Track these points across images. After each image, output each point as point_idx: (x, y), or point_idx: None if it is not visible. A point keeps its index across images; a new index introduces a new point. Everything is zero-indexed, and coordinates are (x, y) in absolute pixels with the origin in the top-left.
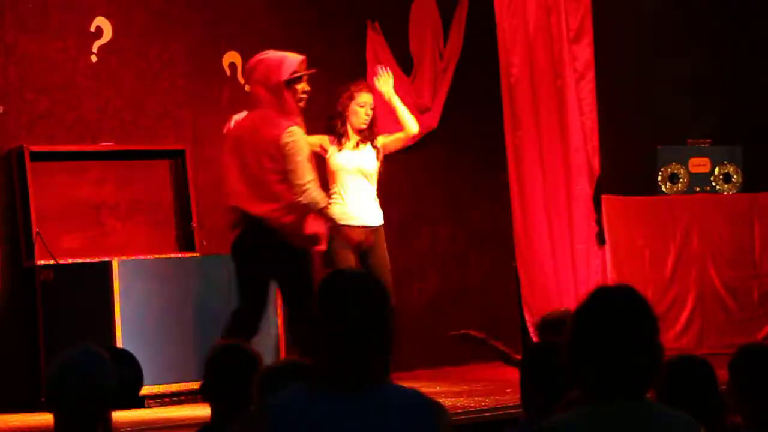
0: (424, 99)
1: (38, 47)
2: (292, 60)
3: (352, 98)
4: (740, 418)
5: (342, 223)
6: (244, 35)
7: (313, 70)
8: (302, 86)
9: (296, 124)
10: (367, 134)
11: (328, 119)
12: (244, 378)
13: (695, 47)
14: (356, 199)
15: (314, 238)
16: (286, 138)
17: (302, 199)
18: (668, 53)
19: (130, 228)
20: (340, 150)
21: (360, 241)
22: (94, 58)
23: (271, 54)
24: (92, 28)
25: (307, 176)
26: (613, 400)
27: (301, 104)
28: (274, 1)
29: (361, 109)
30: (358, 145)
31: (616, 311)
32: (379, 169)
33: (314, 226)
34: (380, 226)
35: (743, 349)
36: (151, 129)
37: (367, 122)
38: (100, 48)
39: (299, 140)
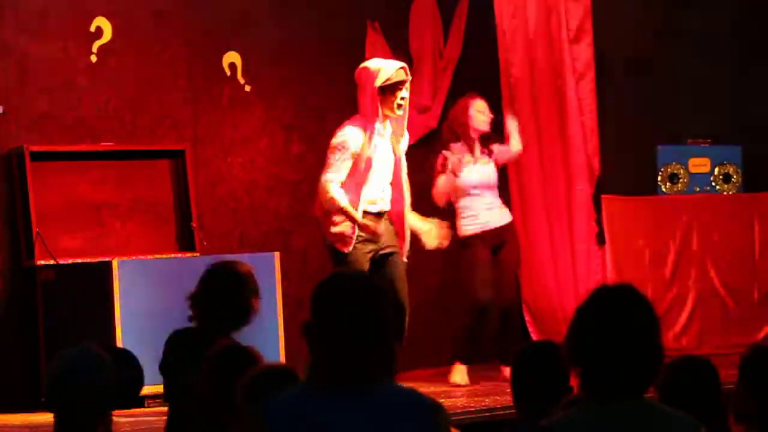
0: (424, 99)
1: (38, 47)
2: (389, 66)
3: (468, 106)
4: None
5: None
6: (244, 35)
7: (405, 79)
8: (399, 93)
9: (357, 125)
10: (489, 140)
11: (446, 138)
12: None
13: (695, 47)
14: (485, 208)
15: (338, 237)
16: (338, 132)
17: (320, 190)
18: (668, 53)
19: (130, 228)
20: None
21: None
22: (94, 58)
23: (373, 61)
24: (92, 29)
25: (331, 173)
26: (613, 400)
27: (398, 111)
28: (274, 1)
29: (480, 113)
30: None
31: (617, 310)
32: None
33: (339, 226)
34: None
35: (754, 349)
36: (151, 129)
37: (488, 124)
38: (100, 48)
39: (343, 140)
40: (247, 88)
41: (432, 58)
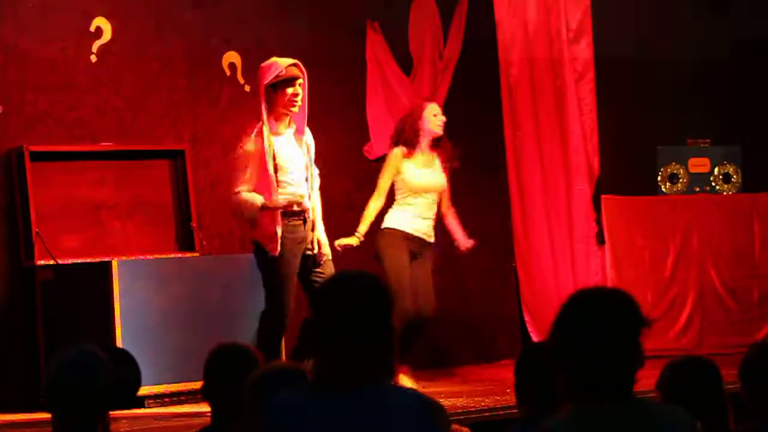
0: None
1: (38, 47)
2: (279, 63)
3: (423, 108)
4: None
5: (401, 228)
6: (244, 35)
7: (296, 75)
8: (291, 90)
9: (253, 132)
10: (443, 147)
11: (396, 137)
12: (244, 379)
13: (695, 47)
14: (425, 214)
15: (267, 238)
16: (238, 146)
17: (233, 206)
18: (668, 53)
19: (130, 228)
20: (416, 167)
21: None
22: (94, 58)
23: (269, 60)
24: (92, 28)
25: (239, 185)
26: (604, 400)
27: (292, 108)
28: (274, 1)
29: (434, 117)
30: (431, 161)
31: (590, 313)
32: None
33: (265, 227)
34: (432, 243)
35: (756, 347)
36: (151, 129)
37: (441, 127)
38: (100, 48)
39: (241, 151)
40: (247, 88)
41: (432, 58)
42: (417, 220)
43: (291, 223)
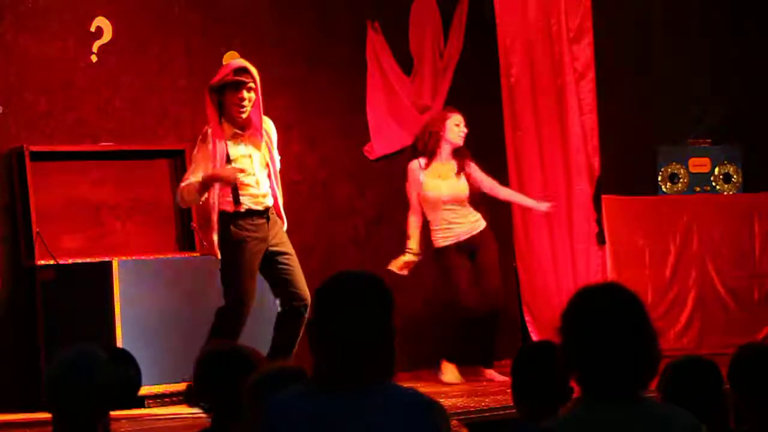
0: (424, 99)
1: (38, 47)
2: (226, 67)
3: (446, 118)
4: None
5: (448, 243)
6: (244, 35)
7: (244, 79)
8: (238, 94)
9: (212, 128)
10: (462, 154)
11: (415, 143)
12: (243, 379)
13: (695, 47)
14: (460, 219)
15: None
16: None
17: (177, 196)
18: (668, 53)
19: (130, 228)
20: (433, 179)
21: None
22: (94, 58)
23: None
24: (92, 28)
25: (189, 176)
26: (611, 399)
27: (240, 112)
28: (274, 1)
29: (456, 127)
30: (458, 173)
31: (600, 310)
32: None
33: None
34: (484, 228)
35: (743, 349)
36: (151, 129)
37: (462, 138)
38: (100, 48)
39: (195, 153)
40: None
41: (432, 58)
42: (455, 227)
43: (254, 222)
